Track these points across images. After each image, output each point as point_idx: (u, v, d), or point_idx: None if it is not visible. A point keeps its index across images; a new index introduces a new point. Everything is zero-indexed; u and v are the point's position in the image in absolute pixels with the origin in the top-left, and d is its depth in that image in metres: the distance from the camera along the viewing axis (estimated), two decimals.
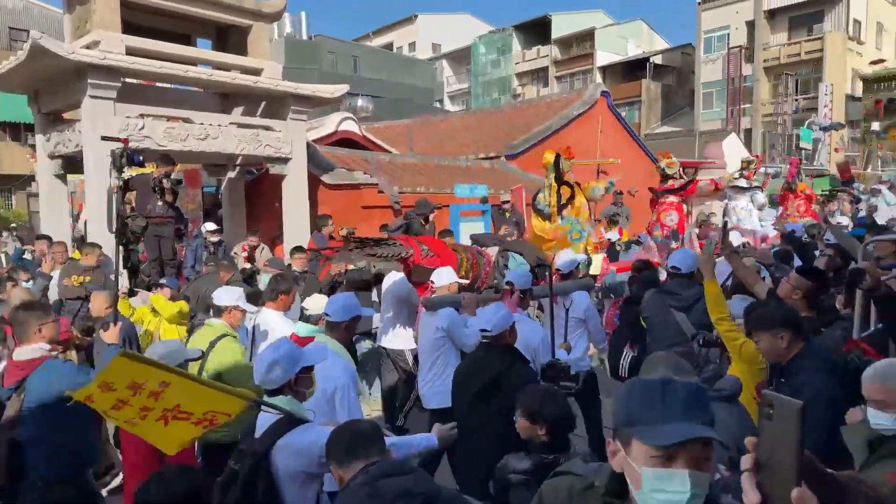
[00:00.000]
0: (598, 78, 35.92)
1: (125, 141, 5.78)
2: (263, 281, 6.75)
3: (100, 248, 6.41)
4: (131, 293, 5.73)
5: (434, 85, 39.36)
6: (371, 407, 5.74)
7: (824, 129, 26.28)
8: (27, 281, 5.69)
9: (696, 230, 10.53)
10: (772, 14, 32.35)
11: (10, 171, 19.83)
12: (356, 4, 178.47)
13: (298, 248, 6.97)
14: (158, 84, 8.69)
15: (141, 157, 7.07)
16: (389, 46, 42.87)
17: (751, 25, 32.62)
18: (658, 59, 37.34)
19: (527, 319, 4.30)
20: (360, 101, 23.81)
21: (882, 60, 31.46)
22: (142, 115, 7.11)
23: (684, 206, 10.84)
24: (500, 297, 4.86)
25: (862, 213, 12.24)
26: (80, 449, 3.21)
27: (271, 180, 8.78)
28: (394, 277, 5.33)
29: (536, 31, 41.23)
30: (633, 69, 37.52)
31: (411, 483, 1.83)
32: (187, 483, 1.96)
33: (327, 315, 3.48)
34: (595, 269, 7.39)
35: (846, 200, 14.81)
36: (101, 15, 6.91)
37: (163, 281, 6.11)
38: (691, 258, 4.64)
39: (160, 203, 7.51)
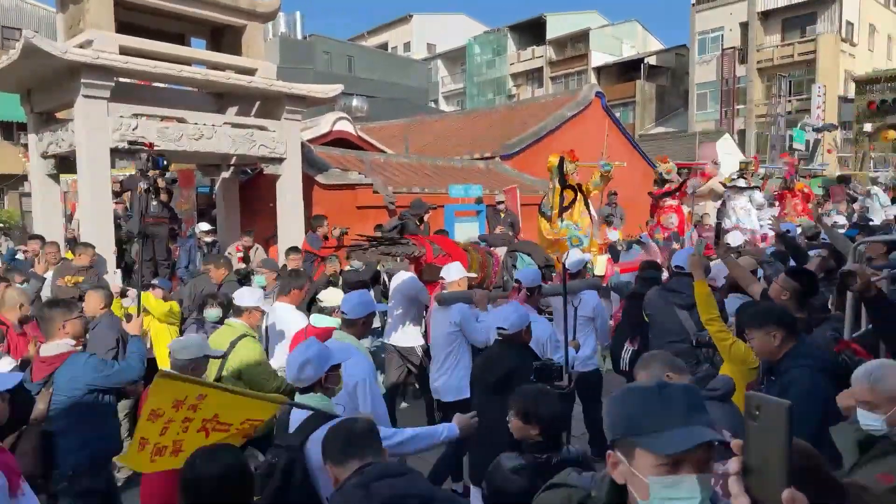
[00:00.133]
0: (593, 79, 36.03)
1: (150, 145, 6.02)
2: (257, 282, 6.74)
3: (93, 248, 6.38)
4: (122, 294, 5.73)
5: (429, 85, 39.38)
6: None
7: (817, 130, 26.42)
8: (22, 283, 5.66)
9: (703, 228, 10.64)
10: (765, 15, 32.51)
11: (2, 171, 19.71)
12: (351, 4, 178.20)
13: (294, 249, 6.96)
14: (152, 84, 8.66)
15: (165, 161, 7.23)
16: (384, 46, 42.84)
17: (744, 27, 32.76)
18: (652, 60, 37.45)
19: (536, 316, 4.38)
20: (354, 101, 23.77)
21: None
22: (135, 115, 7.08)
23: (684, 208, 10.91)
24: (507, 294, 5.04)
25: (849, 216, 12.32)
26: (104, 440, 3.40)
27: (266, 180, 8.76)
28: (403, 276, 5.45)
29: (531, 31, 41.29)
30: (627, 70, 37.63)
31: (405, 485, 1.84)
32: (233, 459, 2.01)
33: (344, 313, 3.58)
34: (599, 271, 7.44)
35: (843, 201, 14.92)
36: (94, 14, 6.88)
37: (154, 281, 6.10)
38: (681, 255, 4.79)
39: (154, 203, 7.49)
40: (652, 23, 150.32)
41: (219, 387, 2.30)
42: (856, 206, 14.18)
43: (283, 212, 8.54)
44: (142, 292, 5.30)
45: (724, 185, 12.33)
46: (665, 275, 5.57)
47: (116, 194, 7.59)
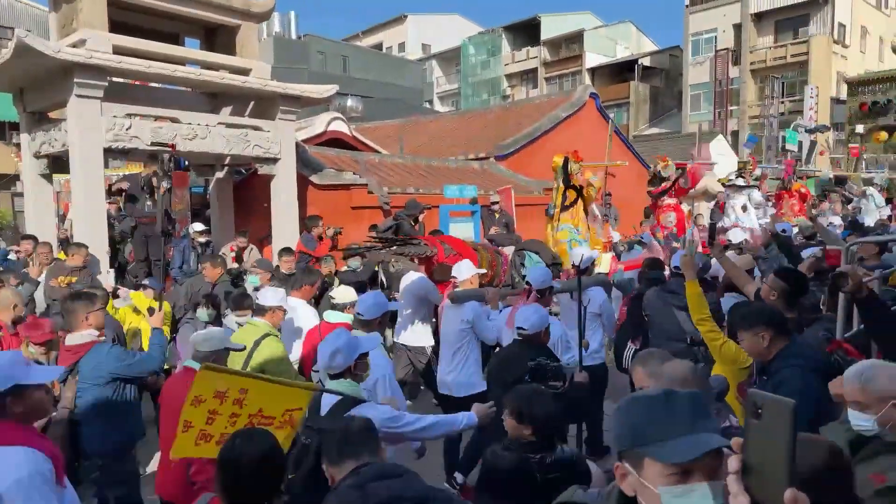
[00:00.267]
0: (587, 79, 36.10)
1: (173, 146, 6.06)
2: (251, 281, 6.72)
3: (86, 248, 6.35)
4: (114, 294, 5.71)
5: (424, 85, 39.34)
6: None
7: (809, 131, 26.59)
8: (17, 285, 5.64)
9: (697, 228, 10.71)
10: (758, 17, 32.67)
11: None
12: (345, 4, 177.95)
13: (286, 251, 6.94)
14: (146, 84, 8.63)
15: (186, 162, 7.36)
16: (379, 46, 42.81)
17: (738, 28, 32.92)
18: (646, 61, 37.58)
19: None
20: (349, 102, 23.74)
21: None
22: (129, 115, 7.05)
23: (684, 207, 10.99)
24: (517, 292, 5.16)
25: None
26: (128, 429, 3.54)
27: (260, 180, 8.74)
28: (412, 276, 5.59)
29: (526, 32, 41.36)
30: (621, 71, 37.74)
31: (402, 486, 1.83)
32: (269, 442, 2.09)
33: (360, 314, 3.72)
34: (604, 268, 7.51)
35: (838, 201, 15.06)
36: (87, 13, 6.85)
37: (145, 282, 6.08)
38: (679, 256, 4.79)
39: (149, 203, 7.47)
40: (646, 24, 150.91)
41: (256, 376, 2.45)
42: (850, 206, 14.32)
43: (277, 212, 8.53)
44: (132, 292, 5.32)
45: (724, 184, 12.52)
46: (667, 272, 5.63)
47: (111, 193, 7.56)
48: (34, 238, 7.24)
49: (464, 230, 8.89)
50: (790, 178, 13.59)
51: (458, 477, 4.31)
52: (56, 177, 8.41)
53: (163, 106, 7.64)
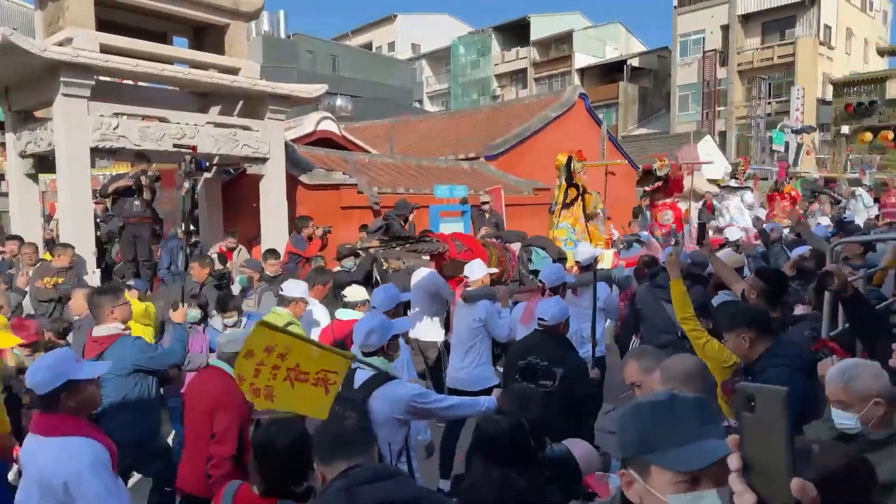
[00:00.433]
0: (577, 80, 36.24)
1: (193, 148, 6.12)
2: (239, 282, 6.69)
3: (72, 248, 6.29)
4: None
5: (413, 85, 39.31)
6: None
7: (796, 132, 26.85)
8: (6, 290, 5.61)
9: (695, 225, 10.83)
10: (746, 19, 32.94)
11: None
12: (335, 4, 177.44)
13: (272, 253, 6.86)
14: (134, 83, 8.56)
15: (207, 164, 7.39)
16: (369, 46, 42.72)
17: (725, 30, 33.17)
18: (635, 62, 37.78)
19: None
20: (339, 101, 23.67)
21: None
22: (116, 114, 6.99)
23: (681, 205, 11.09)
24: (526, 289, 5.43)
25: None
26: (149, 417, 3.70)
27: (249, 180, 8.69)
28: (423, 272, 5.78)
29: (515, 32, 41.44)
30: (610, 71, 37.92)
31: (392, 489, 1.82)
32: (300, 429, 2.27)
33: (374, 308, 3.94)
34: (606, 264, 7.62)
35: (827, 202, 15.27)
36: (74, 11, 6.78)
37: (130, 282, 6.03)
38: (683, 255, 5.13)
39: (137, 202, 7.40)
40: (635, 25, 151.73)
41: (301, 337, 2.65)
42: (839, 207, 14.54)
43: (266, 212, 8.49)
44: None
45: (719, 185, 12.71)
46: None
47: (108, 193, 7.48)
48: (19, 238, 7.17)
49: (454, 230, 8.89)
50: (783, 180, 13.79)
51: (442, 483, 4.35)
52: (42, 176, 8.32)
53: (151, 105, 7.58)
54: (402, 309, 4.17)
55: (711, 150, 22.44)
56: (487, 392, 4.11)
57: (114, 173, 8.98)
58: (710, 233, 9.84)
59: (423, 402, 2.88)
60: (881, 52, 35.95)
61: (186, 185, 5.66)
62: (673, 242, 9.26)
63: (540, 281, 4.93)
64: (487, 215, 9.95)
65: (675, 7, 34.98)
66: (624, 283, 6.48)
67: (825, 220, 11.23)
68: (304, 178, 9.43)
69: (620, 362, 5.22)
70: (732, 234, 8.36)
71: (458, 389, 4.78)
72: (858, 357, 2.81)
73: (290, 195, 8.78)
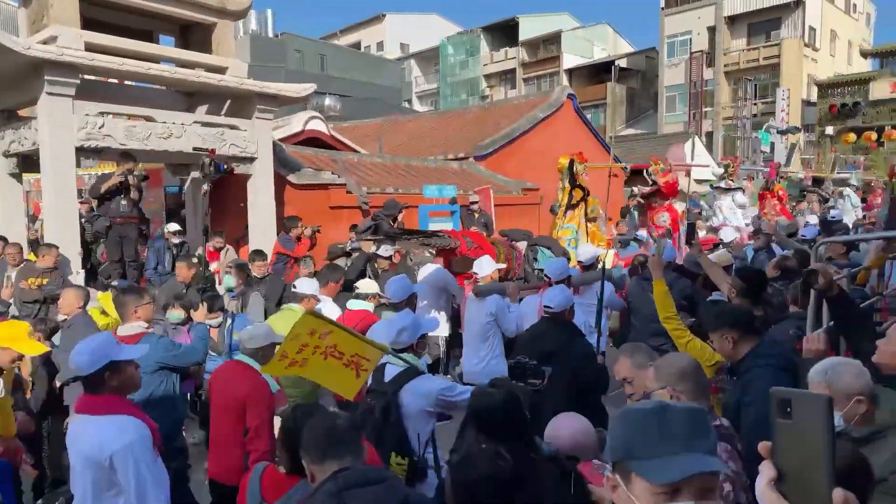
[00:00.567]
0: (565, 80, 36.38)
1: (212, 151, 6.47)
2: (226, 282, 6.62)
3: (56, 248, 6.22)
4: None
5: (402, 85, 39.28)
6: None
7: (781, 132, 27.13)
8: None
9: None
10: (732, 20, 33.23)
11: None
12: (323, 3, 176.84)
13: (259, 254, 6.80)
14: (120, 81, 8.48)
15: (225, 166, 7.48)
16: (357, 45, 42.61)
17: (712, 31, 33.44)
18: (623, 63, 37.97)
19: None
20: (327, 101, 23.61)
21: None
22: (102, 113, 6.92)
23: (678, 206, 11.21)
24: (533, 287, 5.65)
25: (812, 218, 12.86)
26: (174, 412, 3.79)
27: (236, 180, 8.64)
28: (430, 268, 6.00)
29: (504, 32, 41.51)
30: (598, 72, 38.09)
31: (382, 493, 1.81)
32: (336, 418, 2.27)
33: (389, 297, 4.25)
34: (607, 264, 7.74)
35: (815, 201, 15.48)
36: (58, 9, 6.70)
37: (114, 283, 5.98)
38: (671, 250, 5.74)
39: (124, 202, 7.34)
40: (622, 26, 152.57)
41: (342, 327, 2.82)
42: (826, 206, 14.77)
43: (254, 212, 8.44)
44: (100, 294, 5.24)
45: (711, 185, 12.91)
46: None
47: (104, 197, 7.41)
48: (4, 239, 7.08)
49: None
50: (774, 179, 14.00)
51: None
52: (26, 176, 8.23)
53: (137, 104, 7.52)
54: (414, 300, 4.39)
55: (699, 151, 22.59)
56: None
57: (99, 173, 8.90)
58: (703, 232, 10.06)
59: (450, 395, 3.02)
60: (864, 54, 36.41)
61: (206, 186, 5.77)
62: (653, 244, 9.37)
63: (546, 276, 5.12)
64: (476, 215, 9.96)
65: (662, 8, 35.21)
66: (619, 283, 6.61)
67: (814, 219, 11.40)
68: (292, 178, 9.39)
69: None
70: (727, 234, 8.53)
71: (474, 383, 4.91)
72: (842, 356, 2.84)
73: (278, 195, 8.74)
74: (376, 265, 6.93)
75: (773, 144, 26.56)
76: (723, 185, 12.39)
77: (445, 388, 3.05)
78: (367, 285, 5.23)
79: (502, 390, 2.44)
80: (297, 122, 12.52)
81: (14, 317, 5.67)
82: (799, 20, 31.76)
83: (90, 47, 6.77)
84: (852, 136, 29.34)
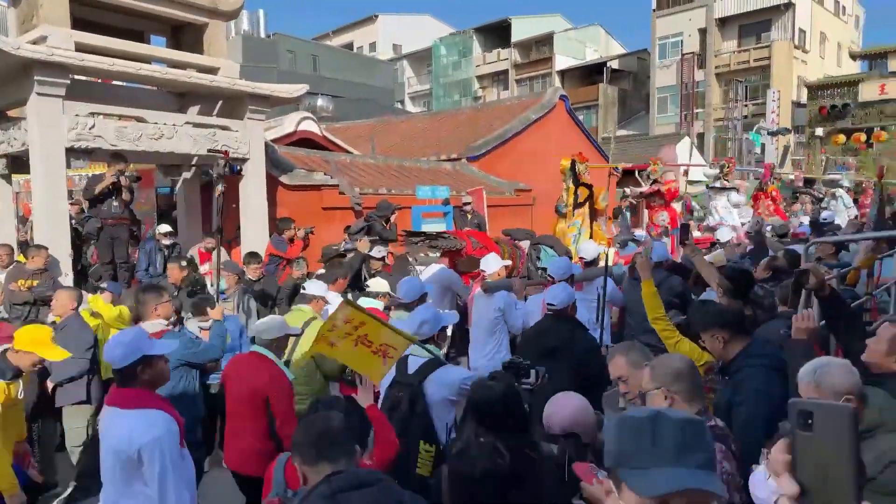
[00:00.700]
0: (557, 81, 36.46)
1: (226, 153, 6.55)
2: (220, 283, 6.58)
3: (46, 249, 6.18)
4: None
5: (395, 86, 39.27)
6: None
7: (772, 133, 27.31)
8: None
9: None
10: (723, 22, 33.44)
11: None
12: (315, 3, 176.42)
13: (254, 256, 6.77)
14: (111, 82, 8.43)
15: (238, 168, 7.55)
16: (350, 46, 42.55)
17: (703, 33, 33.63)
18: (615, 64, 38.12)
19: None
20: (319, 101, 23.55)
21: None
22: (92, 114, 6.87)
23: (676, 206, 11.28)
24: (537, 284, 5.75)
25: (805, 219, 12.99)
26: (193, 407, 3.86)
27: (228, 181, 8.57)
28: (435, 268, 6.13)
29: (497, 33, 41.57)
30: (590, 73, 38.21)
31: (377, 495, 1.79)
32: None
33: (400, 298, 4.42)
34: (609, 262, 7.86)
35: (808, 202, 15.61)
36: (48, 9, 6.66)
37: (103, 285, 5.93)
38: (663, 248, 5.93)
39: (115, 203, 7.29)
40: (614, 27, 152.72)
41: (374, 317, 2.92)
42: (819, 206, 14.90)
43: (246, 213, 8.41)
44: (90, 296, 5.21)
45: (707, 186, 13.05)
46: None
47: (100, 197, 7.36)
48: None
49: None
50: (768, 180, 14.14)
51: None
52: (15, 177, 8.17)
53: (128, 105, 7.48)
54: (425, 299, 4.53)
55: (693, 154, 22.72)
56: None
57: (90, 174, 8.84)
58: (698, 233, 10.18)
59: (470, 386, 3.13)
60: (854, 56, 36.74)
61: (220, 187, 5.84)
62: (641, 243, 9.46)
63: (549, 276, 5.22)
64: (469, 216, 9.96)
65: (654, 10, 35.38)
66: (620, 280, 6.67)
67: (807, 220, 11.53)
68: (284, 179, 9.36)
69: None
70: (723, 235, 8.64)
71: None
72: (833, 355, 2.86)
73: (270, 196, 8.71)
74: (370, 266, 6.92)
75: (763, 146, 26.75)
76: (718, 184, 12.51)
77: (467, 378, 3.17)
78: (377, 284, 5.43)
79: (502, 383, 2.46)
80: (289, 123, 12.49)
81: (4, 319, 5.62)
82: (789, 22, 31.99)
83: (80, 47, 6.73)
84: (842, 138, 29.57)
